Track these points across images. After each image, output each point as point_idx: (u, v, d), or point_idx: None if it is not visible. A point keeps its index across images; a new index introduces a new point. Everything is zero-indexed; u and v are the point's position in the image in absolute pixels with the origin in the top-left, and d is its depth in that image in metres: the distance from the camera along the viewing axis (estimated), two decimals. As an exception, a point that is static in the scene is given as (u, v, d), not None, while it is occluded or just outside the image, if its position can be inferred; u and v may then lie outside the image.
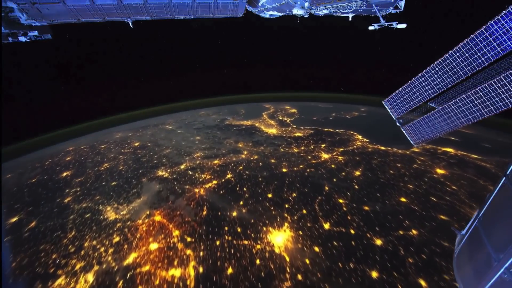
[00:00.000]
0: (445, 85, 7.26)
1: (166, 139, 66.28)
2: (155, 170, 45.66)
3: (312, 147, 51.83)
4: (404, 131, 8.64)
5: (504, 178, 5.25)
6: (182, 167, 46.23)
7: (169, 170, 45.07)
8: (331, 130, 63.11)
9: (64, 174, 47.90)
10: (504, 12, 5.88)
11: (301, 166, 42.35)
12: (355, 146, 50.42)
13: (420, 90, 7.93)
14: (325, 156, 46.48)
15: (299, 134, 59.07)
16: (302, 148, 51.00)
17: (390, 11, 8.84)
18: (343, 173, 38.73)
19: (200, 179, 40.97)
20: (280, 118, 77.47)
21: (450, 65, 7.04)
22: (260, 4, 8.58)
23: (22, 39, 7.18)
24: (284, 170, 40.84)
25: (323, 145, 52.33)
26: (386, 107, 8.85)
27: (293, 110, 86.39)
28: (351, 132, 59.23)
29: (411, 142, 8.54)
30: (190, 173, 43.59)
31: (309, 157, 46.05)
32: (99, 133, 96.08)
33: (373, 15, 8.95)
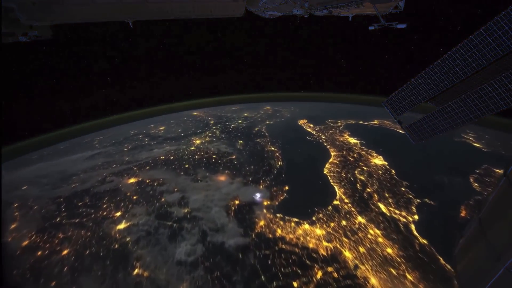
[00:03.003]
0: (445, 85, 7.51)
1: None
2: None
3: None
4: (404, 131, 9.02)
5: (504, 178, 5.40)
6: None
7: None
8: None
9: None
10: (503, 12, 6.06)
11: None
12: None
13: (420, 90, 8.20)
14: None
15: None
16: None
17: (390, 11, 8.99)
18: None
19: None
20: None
21: (449, 65, 7.29)
22: (260, 4, 8.89)
23: (22, 39, 7.28)
24: None
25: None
26: (386, 107, 9.19)
27: (339, 123, 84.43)
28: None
29: (412, 141, 8.98)
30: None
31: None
32: (99, 132, 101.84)
33: (373, 15, 9.16)
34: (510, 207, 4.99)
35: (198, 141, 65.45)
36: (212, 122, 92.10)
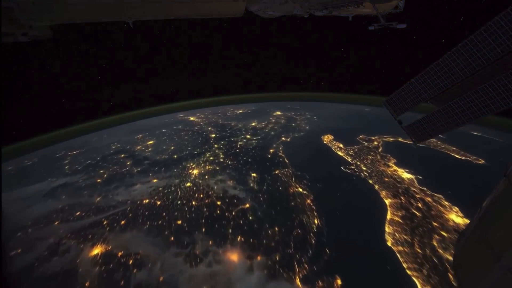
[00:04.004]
0: (445, 85, 7.57)
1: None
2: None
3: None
4: (404, 131, 9.02)
5: (504, 178, 5.30)
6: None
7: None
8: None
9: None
10: (503, 12, 6.11)
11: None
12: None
13: (420, 90, 8.17)
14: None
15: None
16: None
17: (390, 11, 8.92)
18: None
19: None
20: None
21: (449, 65, 7.34)
22: (259, 4, 8.79)
23: (22, 39, 6.87)
24: None
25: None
26: (386, 107, 9.15)
27: (375, 142, 67.92)
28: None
29: (412, 141, 8.98)
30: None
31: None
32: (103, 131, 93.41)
33: (373, 15, 9.17)
34: (510, 207, 4.88)
35: (195, 171, 51.79)
36: (213, 135, 77.66)
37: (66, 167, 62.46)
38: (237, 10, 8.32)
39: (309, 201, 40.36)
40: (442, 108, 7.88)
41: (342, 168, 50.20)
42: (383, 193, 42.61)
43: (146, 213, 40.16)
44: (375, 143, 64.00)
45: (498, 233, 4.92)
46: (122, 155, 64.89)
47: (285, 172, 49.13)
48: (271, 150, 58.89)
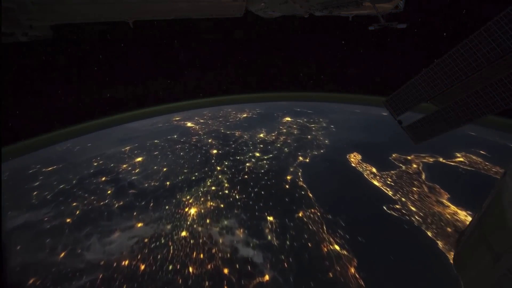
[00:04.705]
0: (445, 85, 7.76)
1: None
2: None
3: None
4: (405, 131, 9.39)
5: (504, 178, 5.53)
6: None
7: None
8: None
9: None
10: (503, 12, 6.29)
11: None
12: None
13: (420, 90, 8.34)
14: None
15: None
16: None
17: (390, 11, 9.05)
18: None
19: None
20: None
21: (449, 65, 7.50)
22: (259, 4, 8.90)
23: (22, 39, 6.84)
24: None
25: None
26: (386, 107, 9.49)
27: (414, 164, 55.18)
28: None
29: (412, 141, 9.25)
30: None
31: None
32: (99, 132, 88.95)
33: (373, 15, 9.28)
34: (510, 207, 4.89)
35: (193, 210, 43.70)
36: (214, 152, 64.74)
37: (35, 193, 53.24)
38: (237, 10, 8.30)
39: (352, 269, 28.36)
40: (442, 108, 8.17)
41: (385, 208, 38.09)
42: (451, 255, 30.70)
43: (124, 286, 27.88)
44: (414, 165, 52.99)
45: (498, 233, 4.96)
46: (103, 178, 53.40)
47: (311, 215, 37.38)
48: (288, 177, 47.76)
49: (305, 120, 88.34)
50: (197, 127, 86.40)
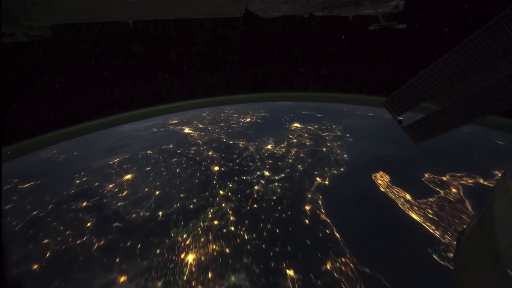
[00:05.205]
0: (445, 85, 7.84)
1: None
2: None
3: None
4: (405, 131, 9.62)
5: (504, 177, 5.57)
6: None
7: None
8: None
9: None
10: (503, 13, 6.35)
11: None
12: None
13: (420, 90, 8.42)
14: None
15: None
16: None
17: (390, 11, 9.43)
18: None
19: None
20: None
21: (450, 65, 7.56)
22: (259, 4, 9.10)
23: (22, 39, 6.96)
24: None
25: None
26: (386, 107, 9.66)
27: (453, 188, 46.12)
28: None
29: (412, 142, 9.46)
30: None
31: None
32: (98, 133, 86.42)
33: (373, 15, 9.52)
34: (510, 207, 5.01)
35: (191, 257, 33.19)
36: (216, 169, 53.43)
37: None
38: (237, 10, 8.40)
39: None
40: (442, 108, 8.33)
41: (434, 256, 29.75)
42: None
43: None
44: (453, 190, 44.37)
45: (498, 233, 4.96)
46: (84, 203, 44.47)
47: (343, 267, 28.61)
48: (307, 207, 38.60)
49: (316, 127, 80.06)
50: (196, 134, 77.76)
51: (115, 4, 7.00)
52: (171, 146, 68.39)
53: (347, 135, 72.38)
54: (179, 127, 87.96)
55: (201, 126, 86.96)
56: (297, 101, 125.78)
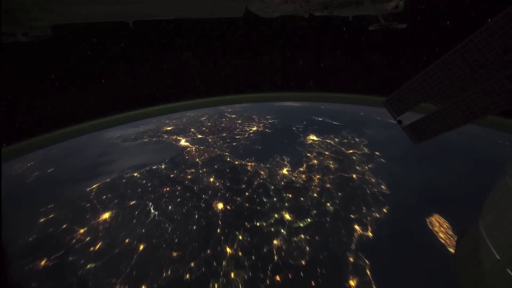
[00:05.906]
0: (445, 85, 7.94)
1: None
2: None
3: None
4: (405, 131, 9.70)
5: (504, 177, 5.56)
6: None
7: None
8: None
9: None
10: (504, 12, 6.47)
11: None
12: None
13: (420, 90, 8.49)
14: None
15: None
16: None
17: (390, 11, 10.02)
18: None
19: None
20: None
21: (450, 65, 7.66)
22: (259, 4, 9.76)
23: (22, 39, 6.94)
24: None
25: None
26: (386, 107, 9.88)
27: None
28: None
29: (412, 142, 9.57)
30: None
31: None
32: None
33: (373, 15, 10.22)
34: (510, 207, 4.92)
35: None
36: (219, 207, 39.19)
37: None
38: (237, 10, 8.47)
39: None
40: (442, 108, 8.24)
41: None
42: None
43: None
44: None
45: (498, 233, 4.89)
46: (43, 262, 31.55)
47: None
48: (352, 283, 26.64)
49: (336, 140, 66.51)
50: (194, 148, 64.28)
51: (115, 4, 7.10)
52: (163, 167, 54.63)
53: (377, 153, 58.28)
54: (174, 136, 76.66)
55: (199, 136, 74.88)
56: (304, 102, 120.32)
